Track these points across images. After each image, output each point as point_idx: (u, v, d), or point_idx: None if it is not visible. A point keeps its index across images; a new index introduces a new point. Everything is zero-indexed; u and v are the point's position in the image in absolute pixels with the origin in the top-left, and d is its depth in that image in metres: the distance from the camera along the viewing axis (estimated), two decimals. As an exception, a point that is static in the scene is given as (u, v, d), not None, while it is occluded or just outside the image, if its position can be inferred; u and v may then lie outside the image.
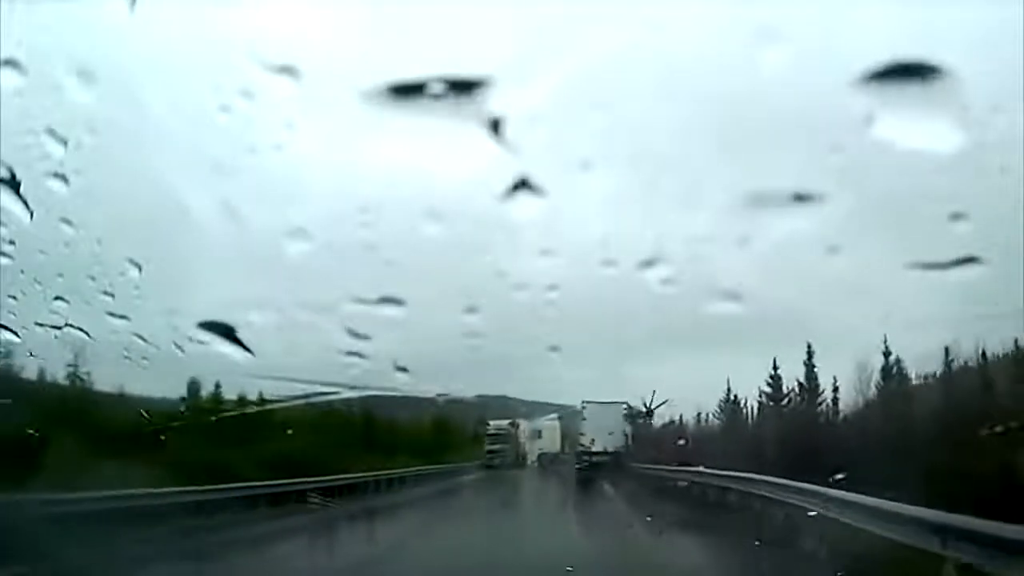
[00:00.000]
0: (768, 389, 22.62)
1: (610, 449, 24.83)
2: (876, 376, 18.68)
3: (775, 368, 22.17)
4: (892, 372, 18.34)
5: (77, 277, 8.20)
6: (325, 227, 7.74)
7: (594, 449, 24.70)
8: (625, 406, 25.16)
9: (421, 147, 4.89)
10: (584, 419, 25.31)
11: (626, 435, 25.40)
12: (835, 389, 20.45)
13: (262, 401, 19.50)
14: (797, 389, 21.29)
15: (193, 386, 19.73)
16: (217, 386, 19.81)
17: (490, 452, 33.96)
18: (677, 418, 27.70)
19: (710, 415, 26.52)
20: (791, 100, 9.53)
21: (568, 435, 32.22)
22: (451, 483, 25.72)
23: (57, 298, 8.03)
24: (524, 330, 11.01)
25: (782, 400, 22.25)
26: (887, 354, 18.07)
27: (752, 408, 24.21)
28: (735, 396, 24.98)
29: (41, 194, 6.75)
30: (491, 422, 33.84)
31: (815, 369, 20.91)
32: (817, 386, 20.81)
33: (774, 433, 20.55)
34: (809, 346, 20.29)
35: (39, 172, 6.70)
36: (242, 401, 19.52)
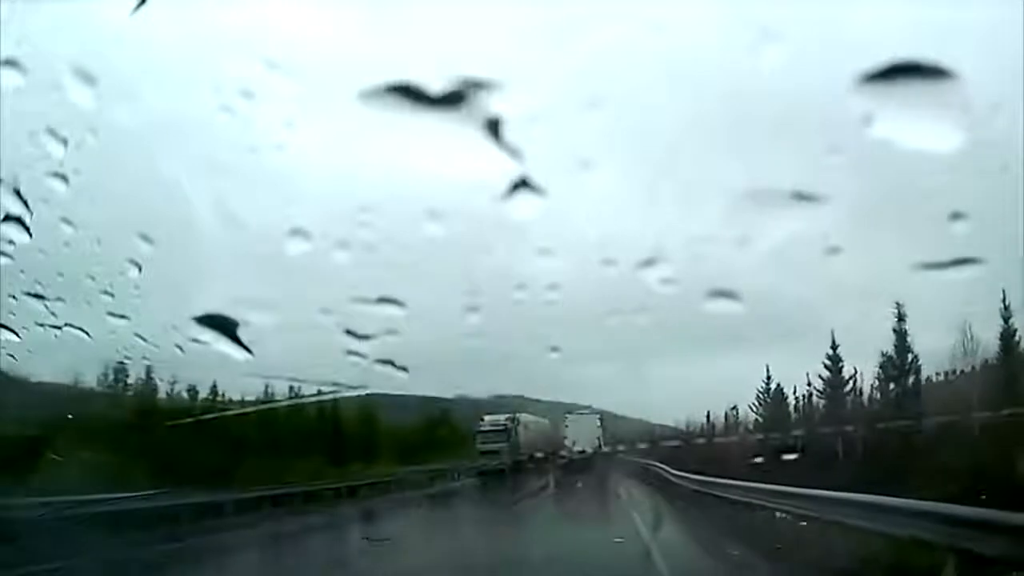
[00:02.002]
0: (827, 373, 18.63)
1: (586, 448, 31.46)
2: (987, 344, 15.17)
3: (834, 347, 18.14)
4: (1014, 337, 14.45)
5: (77, 277, 8.21)
6: (325, 227, 7.70)
7: (575, 448, 31.28)
8: (599, 416, 31.75)
9: (421, 147, 4.88)
10: (567, 426, 31.72)
11: (599, 439, 32.06)
12: (916, 370, 16.46)
13: (214, 398, 19.00)
14: (882, 365, 16.95)
15: (120, 371, 18.71)
16: (150, 375, 18.86)
17: (484, 453, 29.29)
18: (705, 418, 25.64)
19: (737, 412, 23.49)
20: (791, 100, 9.55)
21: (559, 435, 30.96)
22: (412, 497, 21.15)
23: (57, 298, 8.04)
24: (525, 330, 11.01)
25: (843, 386, 18.49)
26: (1007, 316, 14.53)
27: (802, 398, 20.42)
28: (779, 386, 21.18)
29: (41, 194, 6.76)
30: (486, 417, 29.59)
31: (907, 339, 16.62)
32: (912, 359, 16.56)
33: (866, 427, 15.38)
34: (899, 307, 16.20)
35: (39, 172, 6.71)
36: (191, 396, 18.72)
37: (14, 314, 7.90)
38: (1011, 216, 6.60)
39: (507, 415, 29.86)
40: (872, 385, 18.03)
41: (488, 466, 28.71)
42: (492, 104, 4.33)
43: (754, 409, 22.61)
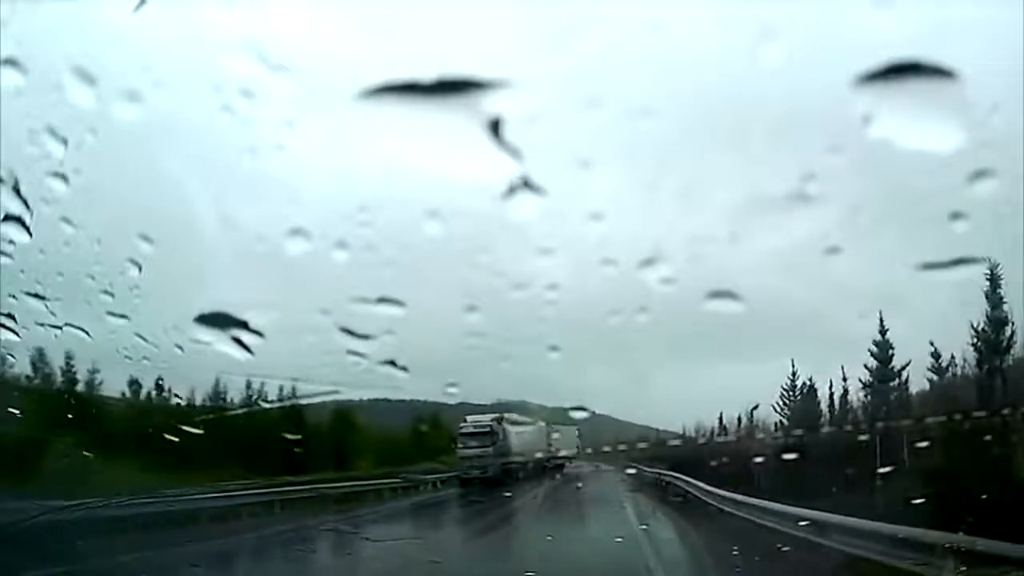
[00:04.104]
0: (874, 362, 15.37)
1: (568, 454, 33.42)
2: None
3: (882, 332, 15.05)
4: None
5: (77, 277, 8.22)
6: (325, 227, 7.72)
7: (560, 454, 32.72)
8: (577, 428, 33.09)
9: (421, 146, 4.88)
10: (555, 435, 32.22)
11: (578, 447, 34.28)
12: (1010, 346, 12.48)
13: (163, 394, 18.45)
14: (975, 341, 12.97)
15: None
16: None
17: (465, 459, 26.11)
18: (717, 421, 23.57)
19: (753, 414, 20.42)
20: (791, 100, 9.54)
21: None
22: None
23: (57, 298, 8.05)
24: (524, 329, 11.01)
25: (893, 378, 15.43)
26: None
27: (835, 394, 17.10)
28: (810, 381, 17.98)
29: (41, 194, 6.77)
30: (468, 418, 26.76)
31: (1003, 307, 12.90)
32: (1010, 334, 12.84)
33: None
34: (992, 269, 12.51)
35: (39, 172, 6.72)
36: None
37: (14, 314, 7.91)
38: (1011, 216, 6.62)
39: (493, 416, 27.16)
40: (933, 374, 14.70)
41: (470, 473, 25.69)
42: (492, 104, 4.32)
43: (778, 409, 19.63)
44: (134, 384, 19.18)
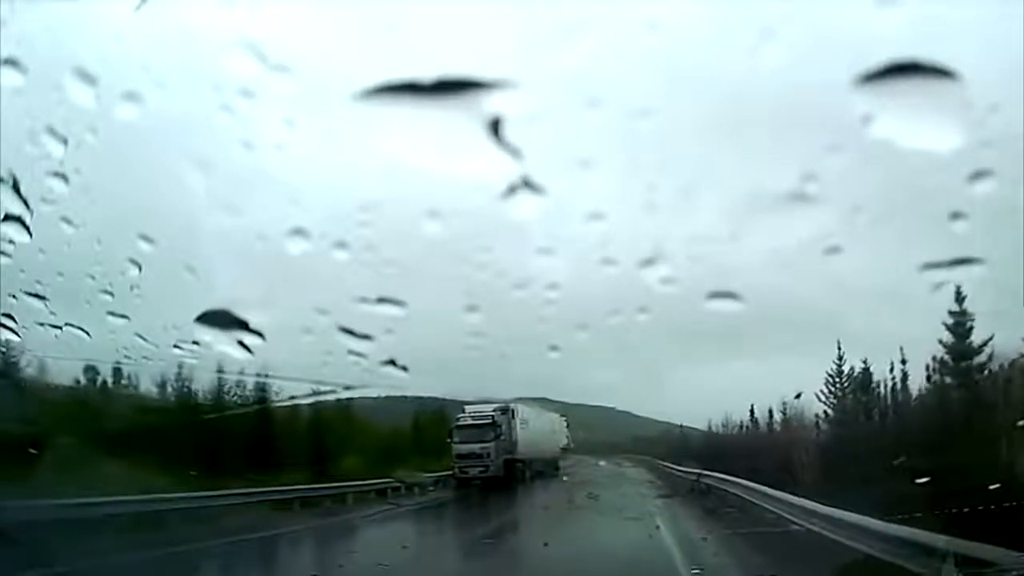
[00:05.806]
0: (950, 337, 13.17)
1: (563, 446, 33.85)
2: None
3: (959, 300, 12.78)
4: None
5: (77, 277, 8.22)
6: (325, 227, 7.72)
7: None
8: (565, 419, 35.08)
9: (421, 146, 4.88)
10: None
11: (567, 438, 35.56)
12: None
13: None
14: None
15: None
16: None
17: (460, 457, 21.90)
18: (747, 415, 22.08)
19: (786, 406, 18.17)
20: (791, 99, 9.55)
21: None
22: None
23: (57, 298, 8.05)
24: (524, 329, 11.02)
25: (973, 356, 13.14)
26: None
27: (893, 379, 14.31)
28: (865, 366, 15.43)
29: (41, 193, 6.78)
30: (467, 407, 23.26)
31: None
32: None
33: None
34: None
35: (39, 171, 6.73)
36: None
37: (14, 315, 7.91)
38: (1011, 216, 6.62)
39: (496, 405, 23.13)
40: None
41: (467, 473, 21.67)
42: (492, 104, 4.33)
43: (822, 398, 17.00)
44: (90, 371, 18.61)
